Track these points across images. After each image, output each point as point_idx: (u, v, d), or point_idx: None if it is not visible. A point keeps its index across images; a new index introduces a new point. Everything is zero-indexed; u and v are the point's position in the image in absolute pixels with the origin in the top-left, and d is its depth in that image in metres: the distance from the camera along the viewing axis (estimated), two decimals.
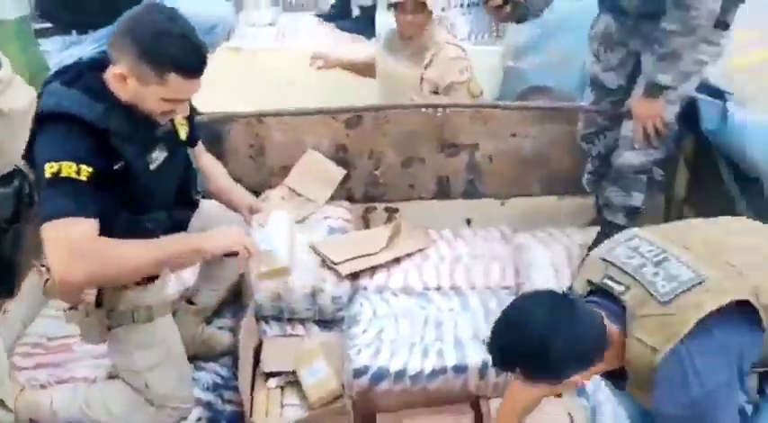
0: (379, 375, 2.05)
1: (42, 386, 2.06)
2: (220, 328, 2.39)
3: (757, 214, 2.03)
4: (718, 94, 2.37)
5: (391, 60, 2.94)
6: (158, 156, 1.69)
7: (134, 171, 1.61)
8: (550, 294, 1.49)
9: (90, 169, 1.53)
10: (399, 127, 2.75)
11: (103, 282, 1.68)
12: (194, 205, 1.94)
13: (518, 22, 2.41)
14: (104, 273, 1.58)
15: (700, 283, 1.38)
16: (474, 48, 3.28)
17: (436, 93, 2.87)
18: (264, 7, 5.27)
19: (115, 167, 1.60)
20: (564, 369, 1.40)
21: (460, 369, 2.06)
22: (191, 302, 2.24)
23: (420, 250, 2.53)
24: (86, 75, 1.60)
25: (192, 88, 1.61)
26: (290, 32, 4.80)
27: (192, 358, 2.16)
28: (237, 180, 2.18)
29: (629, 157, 2.41)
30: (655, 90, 2.22)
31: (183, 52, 1.55)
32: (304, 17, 5.07)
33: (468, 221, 2.87)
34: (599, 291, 1.51)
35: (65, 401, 1.93)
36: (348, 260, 2.42)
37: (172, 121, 1.75)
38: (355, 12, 4.74)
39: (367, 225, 2.88)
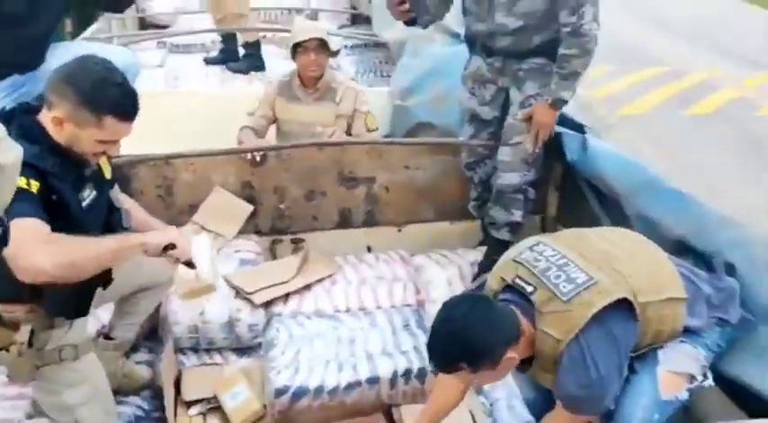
0: (299, 393, 2.21)
1: None
2: (139, 362, 2.47)
3: None
4: (578, 127, 2.75)
5: (296, 106, 3.16)
6: (89, 194, 1.81)
7: (68, 207, 1.72)
8: (466, 296, 1.80)
9: (37, 183, 1.64)
10: (301, 163, 2.95)
11: (64, 271, 1.66)
12: None
13: (407, 24, 2.70)
14: (67, 260, 1.64)
15: (594, 284, 1.69)
16: (366, 88, 3.56)
17: (350, 125, 3.16)
18: (153, 50, 5.37)
19: (53, 198, 1.71)
20: (498, 350, 1.64)
21: (373, 381, 2.26)
22: (109, 338, 2.31)
23: (328, 276, 2.72)
24: (19, 118, 1.71)
25: (127, 130, 1.75)
26: (181, 75, 4.93)
27: (114, 393, 2.23)
28: None
29: (508, 178, 2.75)
30: (559, 104, 2.57)
31: (119, 98, 1.69)
32: (192, 59, 5.22)
33: (369, 248, 3.08)
34: (510, 288, 1.79)
35: None
36: (261, 289, 2.58)
37: (97, 162, 1.87)
38: (241, 52, 4.94)
39: (275, 256, 3.02)
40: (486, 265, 2.75)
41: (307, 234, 3.05)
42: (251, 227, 2.97)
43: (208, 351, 2.53)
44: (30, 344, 1.83)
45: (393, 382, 2.27)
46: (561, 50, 2.47)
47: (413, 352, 2.36)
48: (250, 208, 2.96)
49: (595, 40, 2.43)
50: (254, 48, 4.87)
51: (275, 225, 3.02)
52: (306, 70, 3.13)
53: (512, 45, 2.57)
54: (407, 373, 2.28)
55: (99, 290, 1.98)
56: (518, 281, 1.77)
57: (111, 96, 1.68)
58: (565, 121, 2.76)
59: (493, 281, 1.87)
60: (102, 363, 2.14)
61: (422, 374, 2.29)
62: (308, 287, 2.66)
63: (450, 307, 1.71)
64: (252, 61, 4.84)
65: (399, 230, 3.11)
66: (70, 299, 1.83)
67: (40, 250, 1.60)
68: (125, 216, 2.07)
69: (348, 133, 3.20)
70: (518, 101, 2.65)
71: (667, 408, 1.81)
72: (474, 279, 2.77)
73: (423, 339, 2.42)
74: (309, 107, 3.18)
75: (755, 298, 1.95)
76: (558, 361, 1.69)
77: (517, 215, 2.81)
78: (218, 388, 2.32)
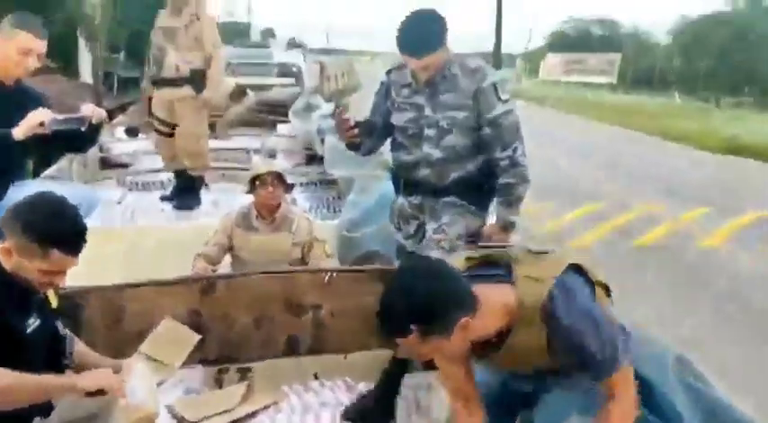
0: None
1: None
2: None
3: None
4: None
5: (253, 236, 3.35)
6: (33, 322, 1.88)
7: (12, 333, 1.78)
8: (420, 260, 1.87)
9: None
10: (250, 291, 3.04)
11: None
12: (62, 370, 2.08)
13: (349, 148, 2.97)
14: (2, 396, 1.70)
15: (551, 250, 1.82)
16: (318, 221, 3.78)
17: (304, 254, 3.37)
18: (113, 188, 5.60)
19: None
20: (450, 312, 1.61)
21: None
22: None
23: (273, 404, 2.74)
24: None
25: (72, 263, 1.86)
26: (138, 211, 5.12)
27: None
28: (93, 348, 2.33)
29: None
30: (510, 227, 2.84)
31: (66, 233, 1.82)
32: (149, 196, 5.47)
33: (316, 375, 3.08)
34: (478, 267, 1.81)
35: None
36: (205, 418, 2.58)
37: (44, 291, 1.96)
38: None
39: (220, 386, 3.01)
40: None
41: (254, 363, 3.06)
42: (198, 355, 2.98)
43: None
44: None
45: None
46: (503, 180, 2.77)
47: None
48: (197, 337, 2.99)
49: (528, 171, 2.74)
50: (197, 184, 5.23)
51: (222, 353, 3.04)
52: (264, 201, 3.35)
53: (431, 175, 2.86)
54: None
55: (38, 419, 1.99)
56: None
57: (58, 231, 1.81)
58: None
59: (456, 263, 1.83)
60: None
61: None
62: (252, 415, 2.67)
63: (403, 267, 1.77)
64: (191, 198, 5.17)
65: (345, 358, 3.13)
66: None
67: None
68: (69, 342, 2.13)
69: (303, 262, 3.36)
70: (432, 228, 2.90)
71: None
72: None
73: None
74: (267, 236, 3.36)
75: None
76: (545, 307, 1.68)
77: None
78: None
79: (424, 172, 2.87)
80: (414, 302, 1.60)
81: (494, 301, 1.71)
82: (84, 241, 1.85)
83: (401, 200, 3.04)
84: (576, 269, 1.78)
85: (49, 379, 1.86)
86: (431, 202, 2.91)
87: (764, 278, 5.43)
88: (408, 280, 1.65)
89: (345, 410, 2.62)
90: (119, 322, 2.91)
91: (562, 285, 1.71)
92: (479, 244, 2.83)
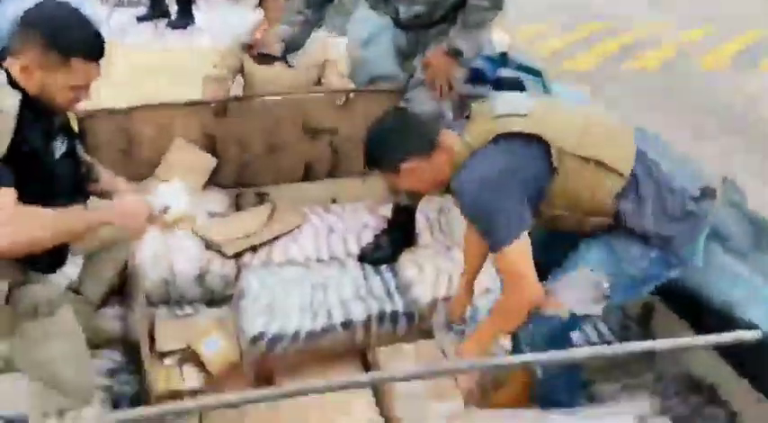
0: (275, 339, 2.24)
1: None
2: (109, 316, 2.46)
3: None
4: (536, 72, 2.80)
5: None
6: (60, 145, 1.77)
7: (41, 158, 1.68)
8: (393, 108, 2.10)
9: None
10: (265, 115, 2.93)
11: (23, 249, 1.66)
12: (88, 195, 2.01)
13: None
14: (25, 239, 1.62)
15: (525, 115, 1.75)
16: (329, 39, 3.58)
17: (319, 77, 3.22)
18: (98, 5, 5.22)
19: (24, 149, 1.66)
20: (396, 154, 1.79)
21: (347, 325, 2.30)
22: (78, 293, 2.29)
23: (297, 227, 2.73)
24: None
25: (95, 72, 1.71)
26: (128, 29, 4.84)
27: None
28: None
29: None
30: (456, 53, 2.47)
31: (85, 38, 1.66)
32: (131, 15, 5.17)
33: (334, 200, 3.07)
34: None
35: None
36: (231, 240, 2.58)
37: (67, 111, 1.83)
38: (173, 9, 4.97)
39: (239, 209, 3.00)
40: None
41: (270, 187, 3.04)
42: (214, 180, 2.95)
43: (179, 303, 2.53)
44: (6, 300, 1.80)
45: (367, 325, 2.32)
46: (472, 1, 2.41)
47: (385, 296, 2.41)
48: (213, 160, 2.93)
49: None
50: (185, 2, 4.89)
51: (239, 179, 3.00)
52: (273, 15, 3.10)
53: (418, 24, 2.57)
54: (381, 316, 2.33)
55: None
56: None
57: (78, 37, 1.65)
58: (521, 67, 2.81)
59: None
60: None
61: (395, 318, 2.35)
62: (277, 237, 2.67)
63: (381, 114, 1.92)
64: (184, 16, 4.85)
65: (363, 182, 3.10)
66: (44, 253, 1.80)
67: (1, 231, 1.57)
68: (94, 169, 2.04)
69: (318, 83, 3.20)
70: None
71: (544, 322, 1.78)
72: None
73: (394, 283, 2.47)
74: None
75: None
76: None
77: None
78: (193, 338, 2.33)
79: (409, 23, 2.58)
80: (369, 143, 1.86)
81: (449, 148, 1.79)
82: (104, 47, 1.70)
83: (399, 33, 2.71)
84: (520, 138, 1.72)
85: (84, 214, 1.79)
86: (422, 35, 2.59)
87: None
88: (374, 125, 1.88)
89: (361, 253, 2.62)
90: (130, 147, 2.82)
91: (475, 156, 1.75)
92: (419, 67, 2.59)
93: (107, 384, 2.22)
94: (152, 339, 2.37)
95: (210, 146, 2.92)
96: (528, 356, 1.68)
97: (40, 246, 1.69)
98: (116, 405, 2.19)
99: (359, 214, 2.86)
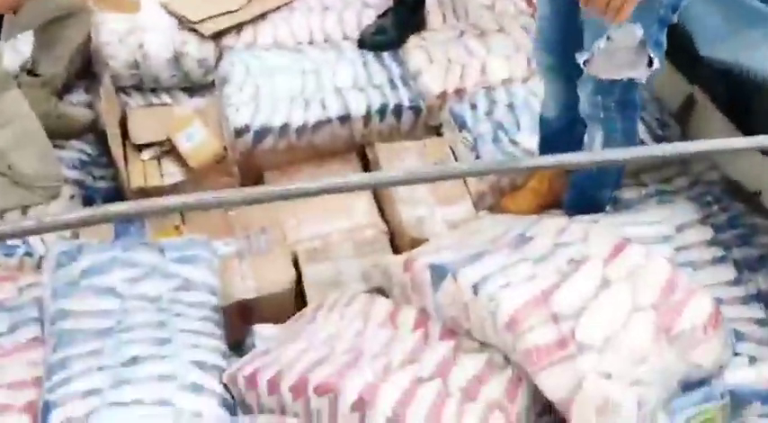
0: (262, 132, 1.97)
1: None
2: (75, 103, 2.18)
3: None
4: None
5: None
6: None
7: None
8: None
9: None
10: None
11: None
12: None
13: None
14: None
15: None
16: None
17: None
18: None
19: None
20: None
21: (345, 118, 2.03)
22: (34, 75, 1.98)
23: (286, 4, 2.34)
24: None
25: None
26: None
27: (50, 137, 1.97)
28: None
29: None
30: None
31: None
32: None
33: None
34: None
35: None
36: (209, 18, 2.20)
37: None
38: None
39: None
40: None
41: None
42: None
43: (154, 90, 2.23)
44: None
45: (367, 119, 2.04)
46: None
47: (387, 86, 2.10)
48: None
49: None
50: None
51: None
52: None
53: None
54: (383, 109, 2.05)
55: (9, 16, 1.61)
56: None
57: None
58: None
59: None
60: (31, 103, 1.86)
61: (398, 110, 2.06)
62: (263, 16, 2.28)
63: None
64: None
65: None
66: None
67: None
68: None
69: None
70: None
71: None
72: None
73: (398, 72, 2.15)
74: None
75: None
76: None
77: None
78: (171, 129, 2.06)
79: None
80: None
81: None
82: None
83: None
84: None
85: None
86: None
87: None
88: None
89: (361, 36, 2.23)
90: None
91: None
92: None
93: (78, 178, 2.00)
94: (125, 130, 2.10)
95: None
96: (548, 159, 1.40)
97: None
98: (89, 202, 1.98)
99: None
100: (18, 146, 1.69)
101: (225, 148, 2.04)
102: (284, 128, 1.98)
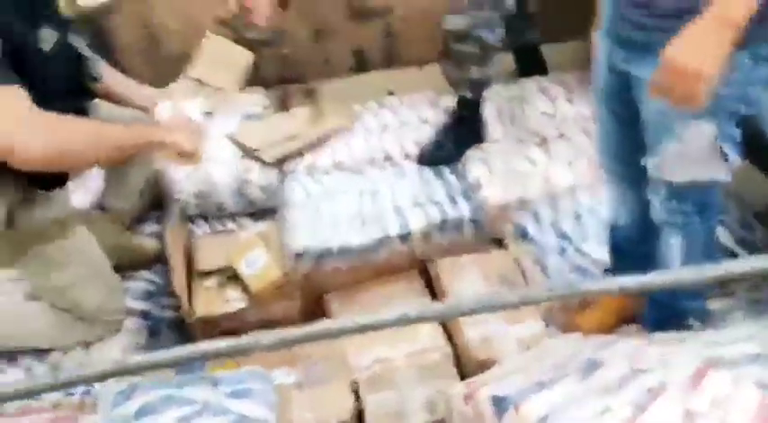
0: (322, 255, 1.96)
1: None
2: (147, 234, 2.24)
3: None
4: None
5: None
6: (49, 36, 1.46)
7: (26, 52, 1.38)
8: None
9: None
10: None
11: (59, 159, 1.42)
12: (89, 95, 1.72)
13: None
14: (61, 145, 1.38)
15: None
16: None
17: None
18: None
19: (5, 45, 1.37)
20: None
21: (404, 236, 1.99)
22: (103, 209, 2.06)
23: (347, 126, 2.39)
24: None
25: None
26: None
27: (120, 269, 2.03)
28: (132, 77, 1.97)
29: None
30: None
31: None
32: None
33: (391, 92, 2.67)
34: None
35: None
36: (270, 145, 2.27)
37: None
38: None
39: (286, 109, 2.66)
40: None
41: (317, 82, 2.69)
42: (253, 78, 2.59)
43: (219, 218, 2.28)
44: (8, 224, 1.57)
45: (427, 235, 2.00)
46: None
47: (447, 200, 2.06)
48: (250, 55, 2.58)
49: None
50: None
51: (282, 73, 2.67)
52: None
53: None
54: (443, 223, 2.00)
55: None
56: None
57: None
58: None
59: None
60: (99, 237, 1.93)
61: (458, 224, 2.01)
62: (323, 139, 2.34)
63: None
64: None
65: (421, 69, 2.72)
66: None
67: (28, 134, 1.31)
68: (94, 65, 1.74)
69: None
70: None
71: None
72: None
73: (458, 186, 2.12)
74: None
75: None
76: None
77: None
78: (234, 256, 2.08)
79: None
80: None
81: None
82: None
83: None
84: None
85: (127, 129, 1.51)
86: None
87: None
88: None
89: (420, 153, 2.24)
90: (155, 45, 2.50)
91: None
92: None
93: (144, 309, 2.02)
94: (191, 259, 2.14)
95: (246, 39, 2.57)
96: (628, 280, 1.27)
97: (77, 160, 1.43)
98: (154, 332, 2.00)
99: (418, 108, 2.47)
100: (83, 283, 1.73)
101: (286, 273, 2.03)
102: (344, 249, 1.96)
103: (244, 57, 2.58)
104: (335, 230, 1.99)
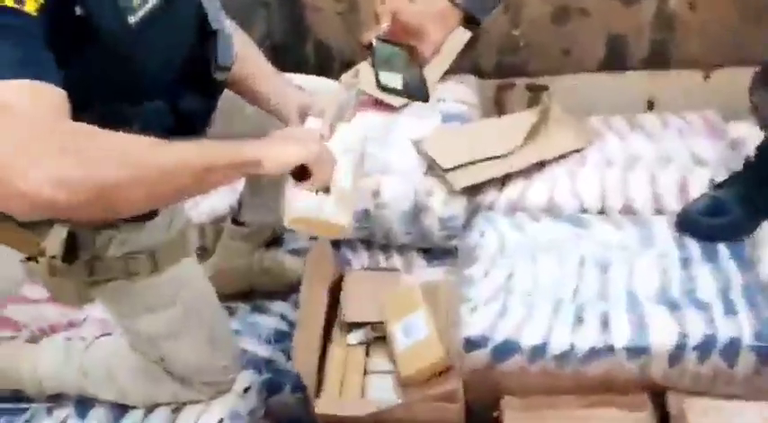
0: (505, 350, 1.33)
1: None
2: (292, 250, 1.78)
3: None
4: None
5: None
6: (143, 1, 0.95)
7: (103, 24, 0.90)
8: None
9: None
10: None
11: (104, 200, 0.80)
12: (215, 90, 1.21)
13: None
14: (94, 180, 0.77)
15: None
16: None
17: None
18: None
19: (77, 13, 0.89)
20: None
21: (638, 350, 1.29)
22: (238, 223, 1.62)
23: (576, 150, 1.71)
24: None
25: None
26: None
27: (248, 297, 1.61)
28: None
29: None
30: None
31: None
32: None
33: (651, 104, 2.05)
34: None
35: (53, 367, 1.40)
36: (466, 165, 1.66)
37: None
38: None
39: (501, 110, 2.12)
40: None
41: (552, 77, 2.09)
42: (467, 63, 2.04)
43: (384, 247, 1.75)
44: (73, 255, 1.14)
45: (676, 355, 1.28)
46: None
47: (720, 304, 1.32)
48: (467, 34, 1.98)
49: None
50: None
51: (504, 62, 2.10)
52: None
53: None
54: (707, 343, 1.26)
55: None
56: None
57: None
58: None
59: None
60: (229, 257, 1.50)
61: (733, 349, 1.26)
62: (540, 165, 1.68)
63: None
64: None
65: (707, 77, 2.01)
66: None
67: (39, 160, 0.74)
68: (225, 45, 1.20)
69: None
70: None
71: None
72: None
73: (741, 281, 1.36)
74: None
75: None
76: None
77: None
78: (391, 312, 1.53)
79: None
80: None
81: None
82: None
83: None
84: None
85: (213, 148, 0.91)
86: None
87: None
88: None
89: (683, 212, 1.49)
90: (354, 11, 2.03)
91: None
92: None
93: (267, 357, 1.57)
94: (336, 297, 1.63)
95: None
96: None
97: (121, 201, 0.87)
98: (273, 390, 1.53)
99: (691, 135, 1.72)
100: (177, 332, 1.29)
101: (449, 357, 1.43)
102: (539, 349, 1.32)
103: (458, 35, 1.99)
104: (531, 315, 1.35)
